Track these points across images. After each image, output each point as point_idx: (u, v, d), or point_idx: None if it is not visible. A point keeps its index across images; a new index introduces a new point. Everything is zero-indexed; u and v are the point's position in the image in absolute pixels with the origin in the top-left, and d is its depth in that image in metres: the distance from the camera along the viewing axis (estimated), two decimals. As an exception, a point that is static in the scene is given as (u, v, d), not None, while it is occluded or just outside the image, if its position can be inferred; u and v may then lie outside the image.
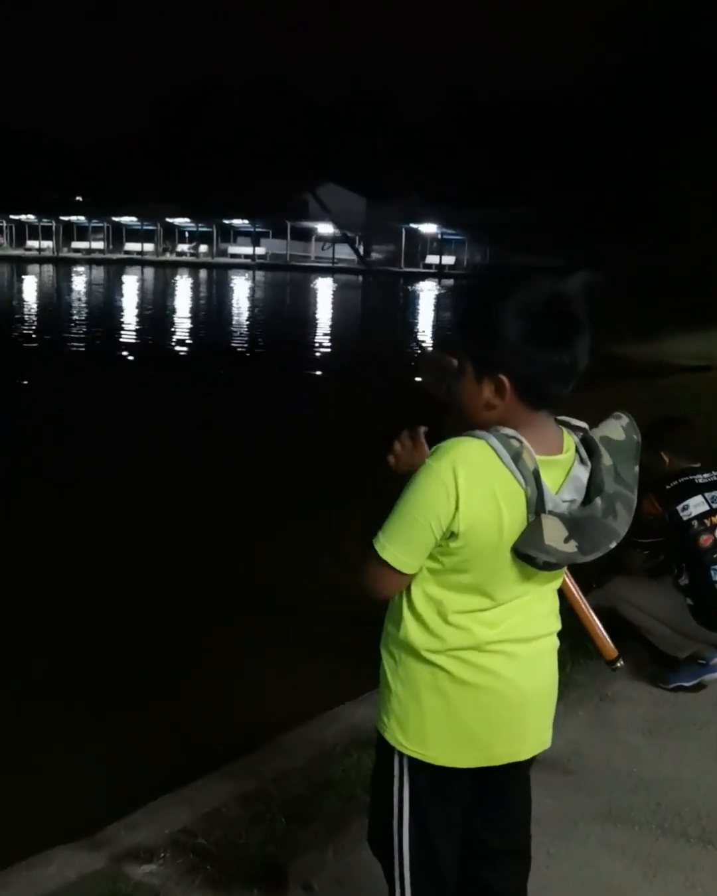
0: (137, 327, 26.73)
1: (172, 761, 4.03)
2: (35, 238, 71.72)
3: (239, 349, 22.39)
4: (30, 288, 44.51)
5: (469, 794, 2.17)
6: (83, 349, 20.87)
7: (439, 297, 44.28)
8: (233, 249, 71.11)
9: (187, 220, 70.48)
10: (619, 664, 2.98)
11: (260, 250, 68.49)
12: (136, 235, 71.19)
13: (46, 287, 45.97)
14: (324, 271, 60.05)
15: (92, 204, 75.82)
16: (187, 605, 5.85)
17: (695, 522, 4.29)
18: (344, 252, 64.85)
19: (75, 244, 71.68)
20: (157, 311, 33.37)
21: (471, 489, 1.86)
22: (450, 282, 54.49)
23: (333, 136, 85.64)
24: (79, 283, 48.16)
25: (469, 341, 1.98)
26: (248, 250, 68.50)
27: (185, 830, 3.23)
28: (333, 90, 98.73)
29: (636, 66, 54.04)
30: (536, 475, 1.87)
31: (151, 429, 11.56)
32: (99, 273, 56.39)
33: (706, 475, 4.38)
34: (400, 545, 1.94)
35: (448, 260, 63.26)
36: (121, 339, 22.88)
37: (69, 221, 71.53)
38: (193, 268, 64.16)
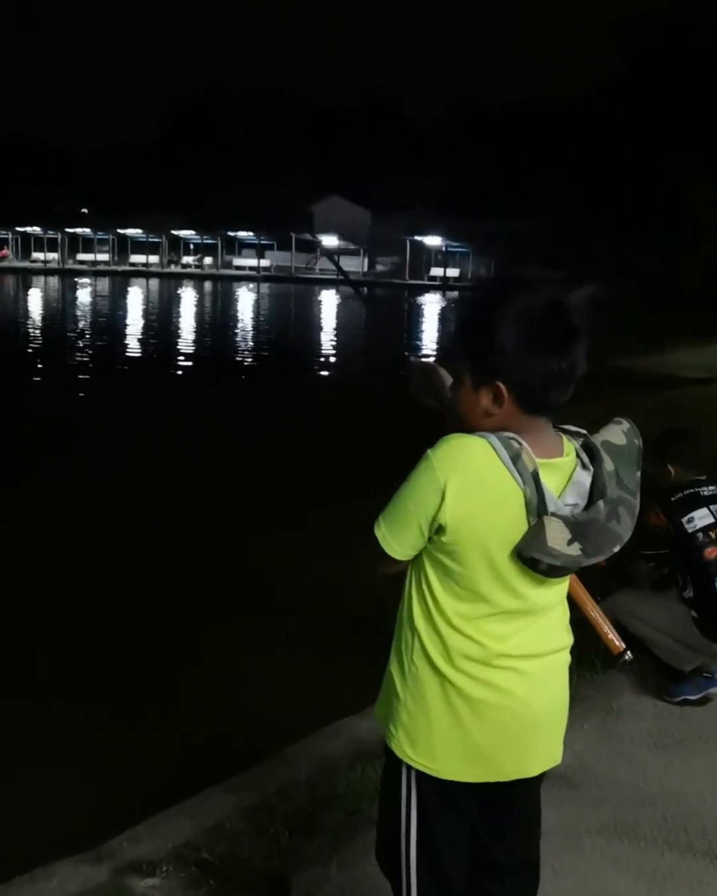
0: (145, 337, 26.77)
1: (175, 773, 4.02)
2: (41, 250, 71.93)
3: (244, 358, 22.43)
4: (36, 301, 44.63)
5: (478, 808, 2.15)
6: (87, 359, 20.92)
7: (443, 311, 44.34)
8: (237, 261, 71.29)
9: (192, 232, 70.65)
10: (627, 656, 2.96)
11: (265, 262, 68.66)
12: (141, 247, 71.39)
13: (59, 299, 46.10)
14: (328, 283, 60.13)
15: (97, 215, 76.08)
16: (190, 610, 5.85)
17: (700, 534, 4.27)
18: (349, 265, 64.97)
19: (81, 256, 71.87)
20: (174, 321, 33.45)
21: (462, 483, 1.87)
22: (455, 294, 54.57)
23: (338, 147, 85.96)
24: (89, 295, 48.21)
25: (467, 349, 1.99)
26: (252, 262, 68.68)
27: (188, 844, 3.22)
28: (340, 100, 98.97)
29: (644, 74, 54.10)
30: (535, 476, 1.87)
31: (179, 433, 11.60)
32: (104, 285, 56.52)
33: (711, 487, 4.36)
34: (391, 528, 1.97)
35: (453, 272, 63.34)
36: (127, 348, 22.94)
37: (75, 233, 71.74)
38: (197, 280, 64.31)
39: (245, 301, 48.84)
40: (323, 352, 23.80)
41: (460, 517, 1.88)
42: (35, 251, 72.70)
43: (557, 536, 1.86)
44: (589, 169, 56.42)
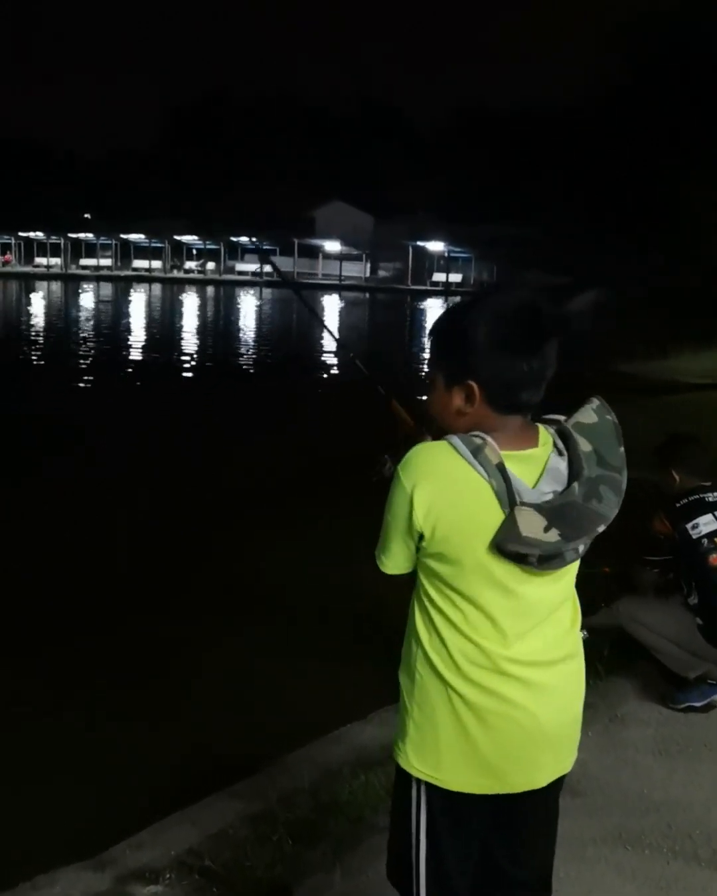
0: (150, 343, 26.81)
1: (178, 780, 4.01)
2: (43, 255, 72.01)
3: (246, 361, 22.46)
4: (39, 305, 44.66)
5: (489, 820, 2.13)
6: (88, 364, 20.95)
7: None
8: (240, 267, 71.33)
9: (195, 237, 70.70)
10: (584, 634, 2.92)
11: (268, 267, 68.64)
12: (143, 252, 71.45)
13: (61, 304, 46.15)
14: (330, 288, 60.19)
15: (100, 220, 76.13)
16: (193, 614, 5.85)
17: (705, 540, 4.26)
18: (351, 270, 65.05)
19: (83, 261, 71.92)
20: (176, 326, 33.51)
21: (427, 486, 1.90)
22: (457, 299, 54.49)
23: (341, 152, 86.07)
24: (92, 299, 48.27)
25: (439, 351, 2.04)
26: (255, 267, 68.70)
27: (191, 851, 3.21)
28: (342, 105, 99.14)
29: (645, 78, 54.16)
30: (500, 468, 1.88)
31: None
32: (107, 290, 56.58)
33: (716, 493, 4.35)
34: (383, 546, 2.04)
35: (455, 277, 63.38)
36: (129, 353, 22.97)
37: (77, 238, 71.80)
38: (200, 285, 64.35)
39: (247, 306, 48.86)
40: (324, 355, 23.83)
41: (434, 520, 1.91)
42: (38, 256, 72.73)
43: (530, 525, 1.85)
44: (591, 173, 56.47)
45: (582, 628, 2.58)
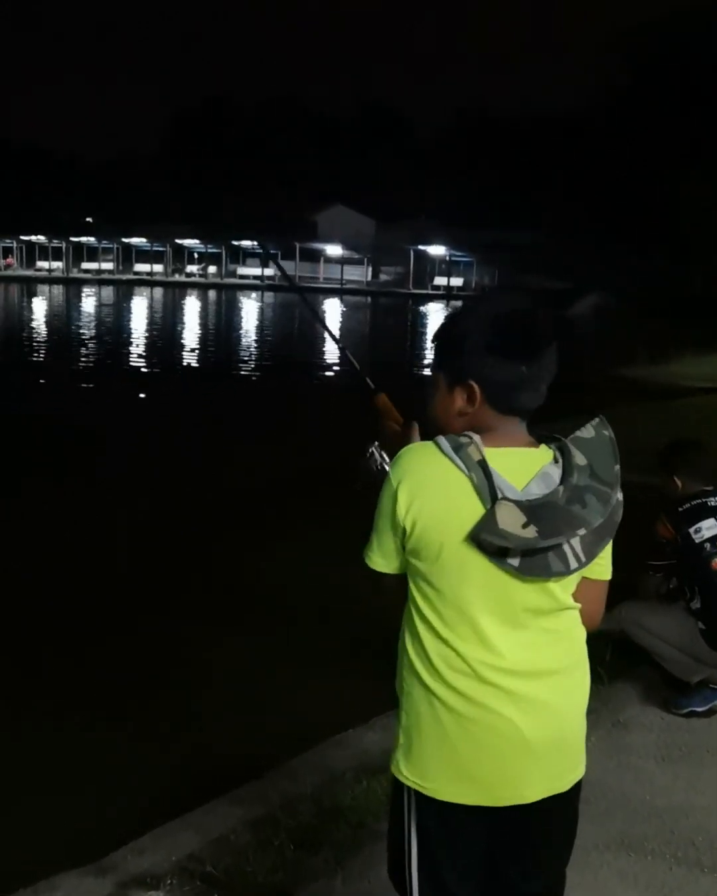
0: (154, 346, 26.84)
1: (180, 785, 4.00)
2: (45, 259, 72.06)
3: (247, 365, 22.49)
4: (41, 309, 44.70)
5: (490, 831, 2.09)
6: (91, 367, 20.96)
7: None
8: (242, 270, 71.36)
9: (196, 241, 70.76)
10: None
11: (269, 271, 68.74)
12: (145, 256, 71.51)
13: (63, 308, 46.20)
14: (332, 292, 60.24)
15: (102, 224, 76.21)
16: (195, 619, 5.84)
17: (707, 545, 4.25)
18: (353, 274, 65.08)
19: (85, 265, 71.97)
20: (178, 330, 33.55)
21: (411, 482, 1.94)
22: (458, 303, 54.57)
23: (343, 156, 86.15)
24: (93, 303, 48.32)
25: (442, 352, 2.07)
26: (257, 271, 68.74)
27: (192, 856, 3.20)
28: (344, 110, 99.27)
29: (648, 83, 54.24)
30: (482, 464, 1.90)
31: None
32: (109, 293, 56.64)
33: (718, 498, 4.35)
34: (372, 538, 2.05)
35: (457, 281, 63.44)
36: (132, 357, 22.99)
37: (79, 242, 71.85)
38: (202, 288, 64.40)
39: (249, 310, 48.92)
40: (325, 358, 23.87)
41: (414, 514, 1.93)
42: (39, 260, 72.79)
43: (508, 519, 1.86)
44: (593, 178, 56.53)
45: None
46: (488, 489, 1.88)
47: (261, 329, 36.78)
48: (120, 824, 3.60)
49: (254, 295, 59.42)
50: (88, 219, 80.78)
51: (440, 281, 63.65)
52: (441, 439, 1.94)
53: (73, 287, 60.30)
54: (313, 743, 4.09)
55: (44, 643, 5.52)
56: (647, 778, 3.84)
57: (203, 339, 30.38)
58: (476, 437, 1.93)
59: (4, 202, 75.42)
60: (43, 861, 3.33)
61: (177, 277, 70.57)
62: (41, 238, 71.77)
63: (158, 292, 60.03)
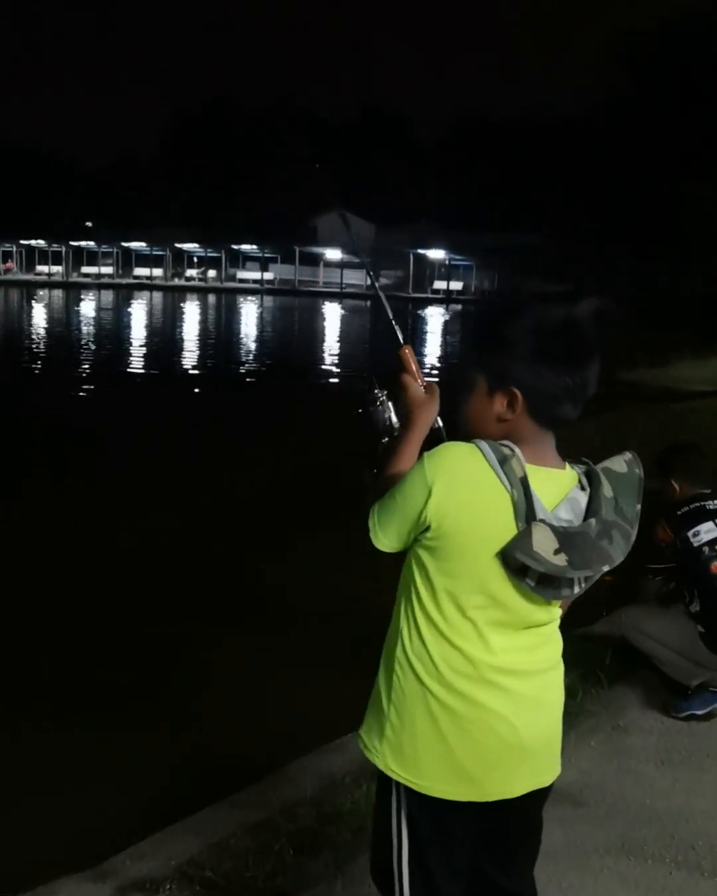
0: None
1: (179, 789, 3.99)
2: (45, 263, 72.10)
3: (244, 368, 22.52)
4: (40, 313, 44.73)
5: (473, 829, 2.12)
6: (89, 370, 20.97)
7: (446, 323, 44.47)
8: (241, 274, 71.43)
9: (196, 244, 70.81)
10: None
11: (268, 275, 68.81)
12: (144, 260, 71.57)
13: (63, 312, 46.23)
14: (332, 296, 60.27)
15: (101, 228, 76.29)
16: (194, 622, 5.83)
17: (706, 548, 4.26)
18: (353, 278, 65.15)
19: (84, 269, 72.02)
20: (178, 333, 33.58)
21: (449, 484, 1.89)
22: (458, 307, 54.70)
23: (343, 160, 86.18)
24: (93, 307, 48.35)
25: (485, 355, 2.00)
26: (256, 275, 68.83)
27: (191, 861, 3.19)
28: (344, 114, 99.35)
29: (648, 88, 54.29)
30: (524, 482, 1.87)
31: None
32: (108, 297, 56.69)
33: (716, 501, 4.35)
34: (381, 519, 2.00)
35: (456, 285, 63.54)
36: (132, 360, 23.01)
37: (79, 246, 71.91)
38: (201, 292, 64.44)
39: (249, 313, 48.98)
40: (325, 360, 23.90)
41: (444, 516, 1.90)
42: (39, 264, 72.82)
43: (543, 542, 1.85)
44: (592, 182, 56.58)
45: None
46: (526, 509, 1.87)
47: (261, 332, 36.81)
48: (119, 828, 3.59)
49: (253, 298, 59.46)
50: (88, 223, 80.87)
51: (440, 285, 63.73)
52: (485, 447, 1.89)
53: (72, 291, 60.35)
54: (313, 746, 4.09)
55: (43, 644, 5.52)
56: (647, 782, 3.84)
57: (202, 343, 30.41)
58: (518, 451, 1.89)
59: (4, 206, 75.44)
60: (42, 865, 3.32)
61: (176, 281, 70.63)
62: (41, 242, 71.84)
63: (158, 296, 60.07)
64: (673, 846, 3.38)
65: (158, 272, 71.12)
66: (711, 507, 4.33)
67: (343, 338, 33.29)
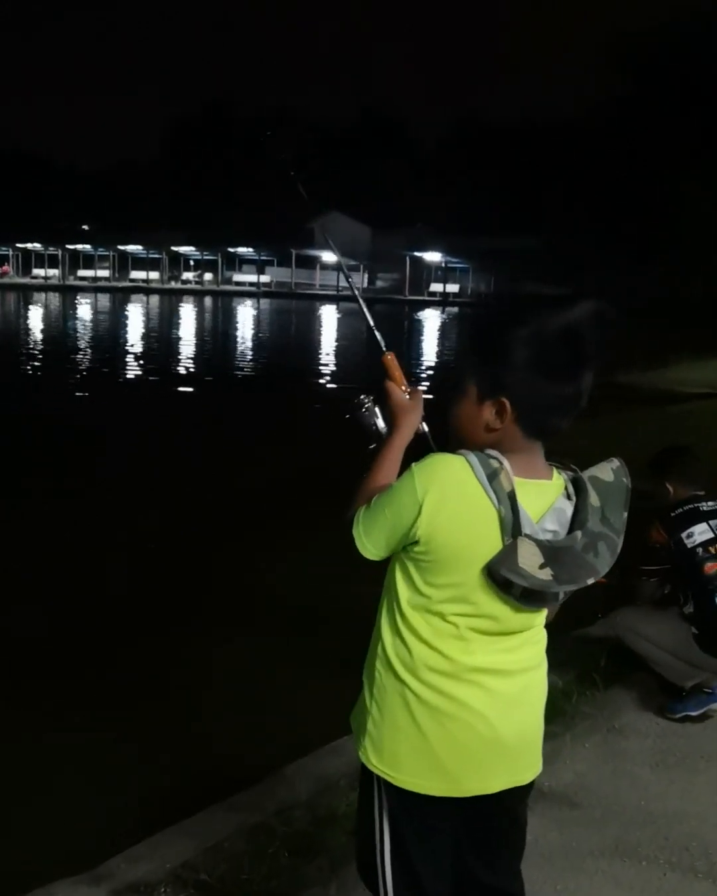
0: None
1: (175, 792, 3.99)
2: (41, 266, 72.08)
3: (243, 371, 22.52)
4: (37, 316, 44.69)
5: (459, 824, 2.14)
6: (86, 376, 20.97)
7: (443, 325, 44.49)
8: (238, 277, 71.45)
9: (192, 248, 70.81)
10: None
11: (265, 278, 68.84)
12: (141, 263, 71.52)
13: (59, 315, 46.22)
14: (328, 299, 60.30)
15: (98, 231, 76.25)
16: (189, 626, 5.83)
17: (700, 550, 4.27)
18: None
19: (81, 272, 71.99)
20: (174, 336, 33.59)
21: (439, 500, 1.88)
22: (454, 309, 54.76)
23: (339, 164, 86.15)
24: (90, 310, 48.33)
25: (476, 362, 1.98)
26: (252, 278, 68.86)
27: (186, 865, 3.19)
28: (341, 118, 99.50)
29: (648, 91, 54.28)
30: (511, 497, 1.87)
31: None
32: (105, 300, 56.66)
33: (711, 503, 4.36)
34: (367, 529, 1.98)
35: (452, 288, 63.61)
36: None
37: (75, 249, 71.88)
38: (198, 295, 64.41)
39: (245, 315, 48.97)
40: (324, 362, 23.91)
41: (435, 530, 1.90)
42: (36, 267, 72.80)
43: (528, 558, 1.86)
44: (589, 186, 56.59)
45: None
46: (512, 524, 1.87)
47: (257, 334, 36.81)
48: (115, 831, 3.60)
49: (249, 301, 59.47)
50: (85, 226, 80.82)
51: (436, 287, 63.79)
52: (474, 461, 1.88)
53: (69, 294, 60.31)
54: (309, 749, 4.09)
55: (39, 645, 5.51)
56: (642, 784, 3.84)
57: (199, 344, 30.41)
58: (506, 463, 1.89)
59: (2, 210, 75.37)
60: (38, 868, 3.32)
61: (173, 284, 70.61)
62: (37, 245, 71.79)
63: (155, 299, 60.04)
64: (667, 848, 3.39)
65: (154, 275, 71.11)
66: (705, 508, 4.34)
67: (339, 339, 33.32)
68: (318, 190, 77.64)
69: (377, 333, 2.36)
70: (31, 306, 50.57)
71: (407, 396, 2.22)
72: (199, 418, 14.49)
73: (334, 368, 22.18)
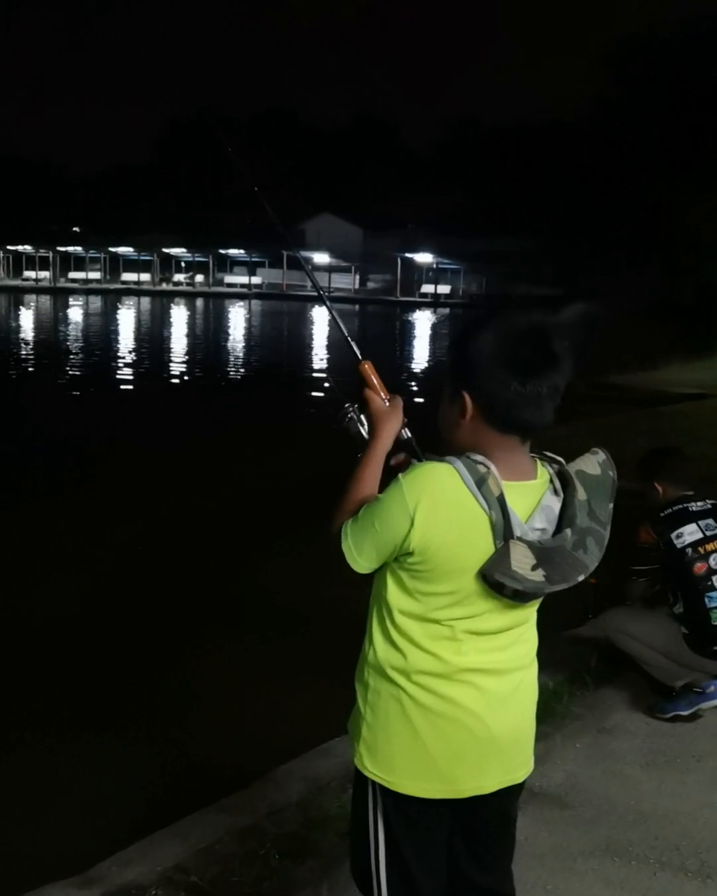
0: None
1: (166, 794, 4.00)
2: (32, 268, 71.91)
3: (242, 372, 22.51)
4: (28, 318, 44.61)
5: (451, 825, 2.15)
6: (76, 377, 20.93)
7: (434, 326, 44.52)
8: (229, 279, 71.37)
9: (183, 250, 70.70)
10: None
11: (256, 280, 68.79)
12: (132, 265, 71.42)
13: (51, 317, 46.13)
14: (320, 300, 60.20)
15: (90, 234, 76.07)
16: (181, 629, 5.82)
17: (689, 550, 4.28)
18: (340, 282, 65.16)
19: (72, 274, 71.83)
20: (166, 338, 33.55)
21: (430, 511, 1.89)
22: (446, 311, 54.80)
23: (331, 166, 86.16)
24: (81, 312, 48.25)
25: (451, 359, 2.03)
26: (244, 280, 68.81)
27: (178, 867, 3.19)
28: (333, 120, 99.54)
29: (638, 95, 54.43)
30: (500, 500, 1.89)
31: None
32: (97, 302, 56.54)
33: (699, 503, 4.38)
34: (357, 542, 1.98)
35: (444, 289, 63.66)
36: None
37: (66, 252, 71.72)
38: (189, 297, 64.33)
39: (237, 317, 48.93)
40: (321, 364, 23.92)
41: (428, 541, 1.90)
42: (26, 269, 72.62)
43: (521, 560, 1.87)
44: (581, 189, 56.74)
45: None
46: (503, 528, 1.88)
47: (249, 336, 36.78)
48: (105, 834, 3.60)
49: (241, 303, 59.42)
50: (76, 228, 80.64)
51: (428, 288, 63.83)
52: (461, 468, 1.89)
53: (60, 296, 60.16)
54: (300, 751, 4.09)
55: (30, 650, 5.50)
56: (632, 784, 3.85)
57: (191, 347, 30.37)
58: (493, 468, 1.90)
59: (-7, 212, 75.22)
60: (29, 872, 3.31)
61: (164, 286, 70.50)
62: (28, 248, 71.62)
63: (146, 301, 59.94)
64: (658, 847, 3.40)
65: (145, 277, 70.99)
66: (694, 508, 4.36)
67: (332, 341, 33.29)
68: (308, 192, 77.84)
69: (353, 343, 2.37)
70: (22, 308, 50.44)
71: (387, 404, 2.23)
72: (195, 421, 14.44)
73: (325, 371, 22.15)
